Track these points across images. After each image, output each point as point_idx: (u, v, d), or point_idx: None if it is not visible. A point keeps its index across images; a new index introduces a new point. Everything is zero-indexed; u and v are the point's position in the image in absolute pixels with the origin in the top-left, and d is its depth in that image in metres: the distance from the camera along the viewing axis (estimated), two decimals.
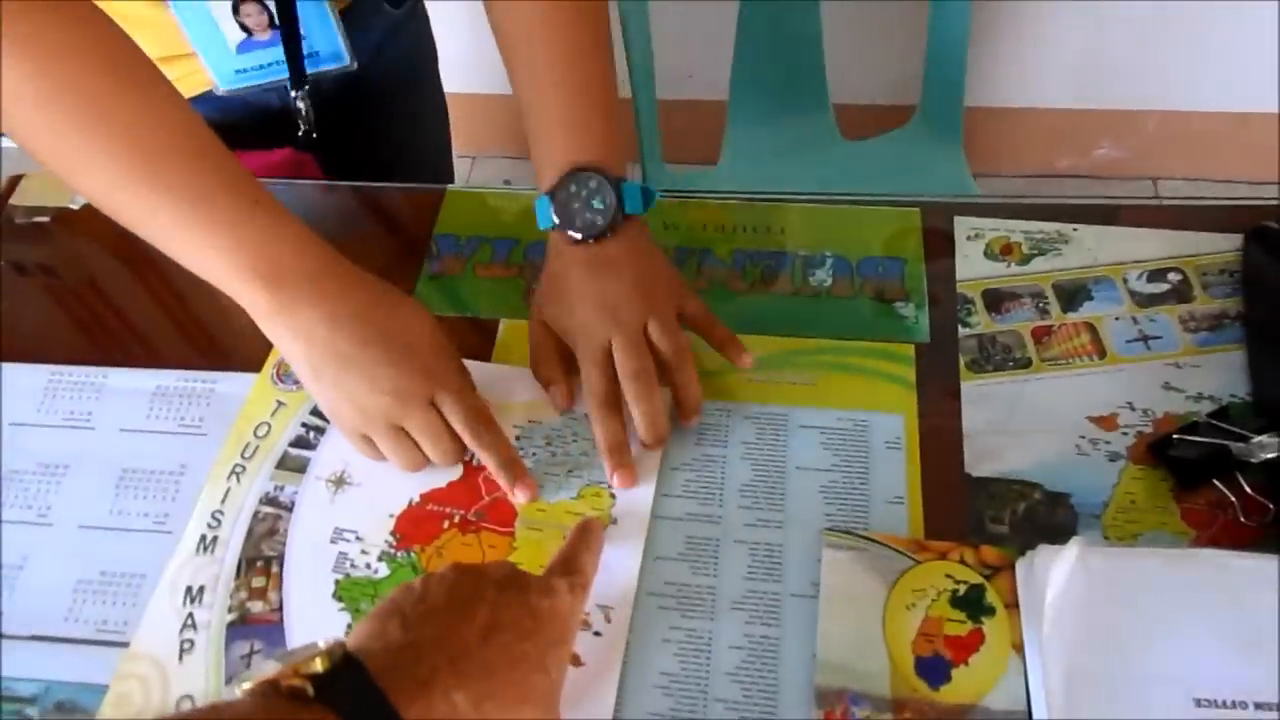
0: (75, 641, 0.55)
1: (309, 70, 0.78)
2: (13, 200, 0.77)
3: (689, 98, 1.61)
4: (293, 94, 0.78)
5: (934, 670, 0.51)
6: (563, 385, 0.62)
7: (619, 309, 0.60)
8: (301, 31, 0.76)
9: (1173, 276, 0.65)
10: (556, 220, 0.62)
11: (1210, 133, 1.73)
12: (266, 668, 0.38)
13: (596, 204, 0.61)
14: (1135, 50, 1.62)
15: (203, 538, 0.58)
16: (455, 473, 0.60)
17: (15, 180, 0.79)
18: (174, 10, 0.71)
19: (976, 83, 1.67)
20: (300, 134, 0.81)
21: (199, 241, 0.54)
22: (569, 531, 0.55)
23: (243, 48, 0.75)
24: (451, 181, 1.05)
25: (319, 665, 0.38)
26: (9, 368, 0.67)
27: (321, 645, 0.39)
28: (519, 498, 0.59)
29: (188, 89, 0.77)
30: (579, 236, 0.61)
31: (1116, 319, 0.63)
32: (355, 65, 0.80)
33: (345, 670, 0.39)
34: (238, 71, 0.76)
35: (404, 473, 0.59)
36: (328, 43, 0.78)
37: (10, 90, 0.50)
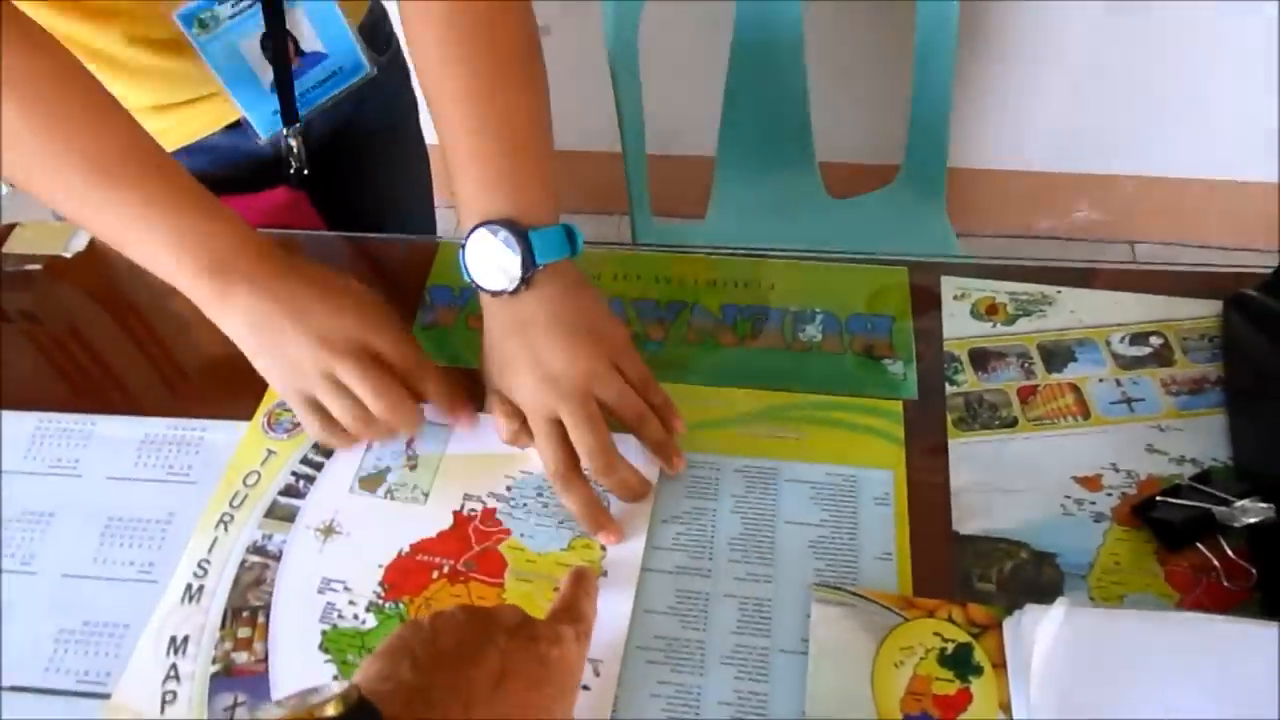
0: (56, 693, 0.54)
1: (334, 90, 0.80)
2: (5, 248, 0.78)
3: (677, 153, 1.64)
4: (284, 132, 0.79)
5: None
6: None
7: (558, 379, 0.59)
8: (321, 49, 0.77)
9: (1154, 340, 0.66)
10: (471, 277, 0.61)
11: (1187, 197, 1.77)
12: (276, 710, 0.38)
13: (504, 258, 0.59)
14: (1113, 115, 1.66)
15: (188, 587, 0.58)
16: (445, 522, 0.60)
17: (8, 229, 0.79)
18: (205, 58, 0.72)
19: (959, 143, 1.71)
20: (292, 171, 0.82)
21: (148, 240, 0.59)
22: (561, 582, 0.55)
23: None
24: (434, 230, 1.06)
25: (332, 709, 0.38)
26: None
27: (335, 688, 0.39)
28: (461, 423, 0.63)
29: (190, 133, 0.78)
30: (494, 289, 0.60)
31: (1100, 380, 0.64)
32: (375, 70, 0.82)
33: (359, 714, 0.39)
34: (274, 113, 0.78)
35: (391, 524, 0.59)
36: (347, 54, 0.79)
37: None
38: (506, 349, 0.61)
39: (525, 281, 0.59)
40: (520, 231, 0.59)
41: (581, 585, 0.54)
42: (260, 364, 0.60)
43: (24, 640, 0.56)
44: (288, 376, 0.60)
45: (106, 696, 0.54)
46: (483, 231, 0.60)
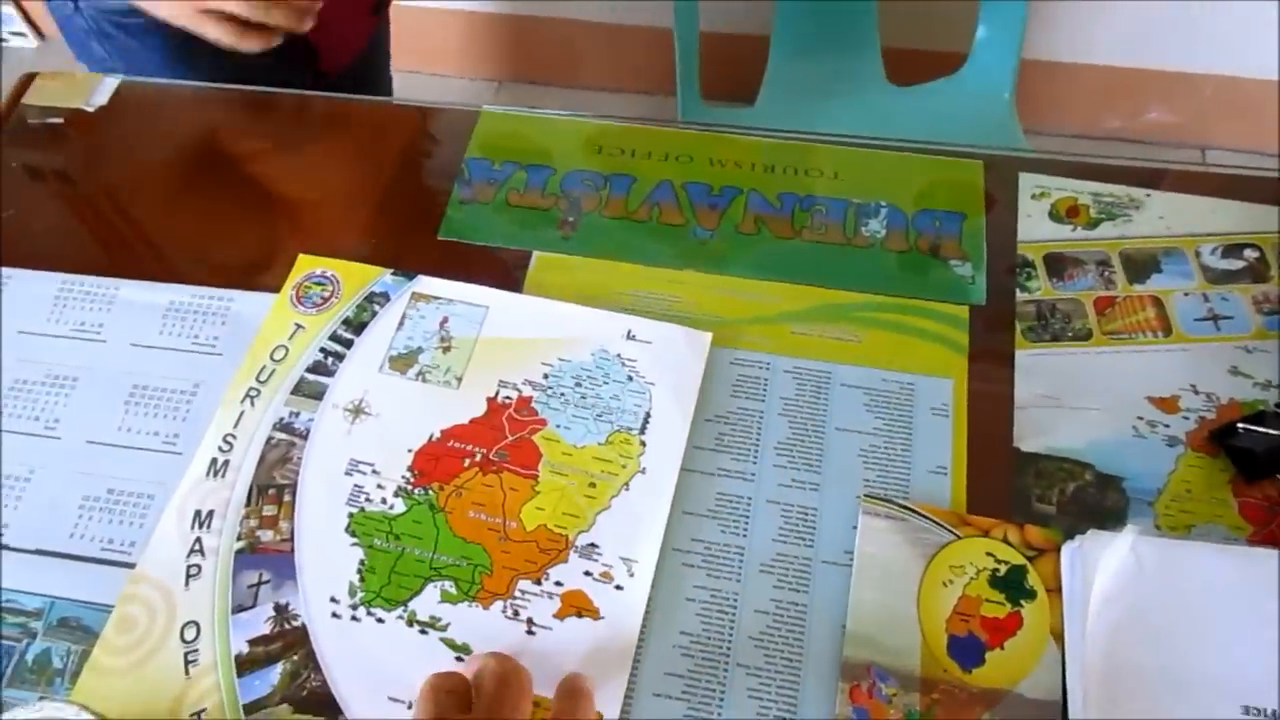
0: (81, 559, 0.53)
1: None
2: (25, 99, 0.74)
3: (731, 31, 1.55)
4: None
5: (967, 651, 0.49)
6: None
7: None
8: None
9: (1249, 253, 0.61)
10: None
11: (1268, 102, 1.66)
12: None
13: None
14: (1196, 10, 1.55)
15: (213, 461, 0.56)
16: (478, 408, 0.58)
17: (29, 79, 0.75)
18: None
19: (1027, 34, 1.60)
20: None
21: None
22: (556, 694, 0.47)
23: None
24: (390, 92, 1.01)
25: None
26: (18, 274, 0.64)
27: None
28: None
29: None
30: None
31: (1186, 294, 0.59)
32: None
33: None
34: None
35: (421, 408, 0.57)
36: None
37: None
38: None
39: None
40: None
41: (574, 700, 0.47)
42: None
43: (49, 504, 0.55)
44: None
45: (130, 565, 0.53)
46: None
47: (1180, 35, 1.60)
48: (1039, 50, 1.66)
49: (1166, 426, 0.55)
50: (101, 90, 0.73)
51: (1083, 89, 1.72)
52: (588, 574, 0.52)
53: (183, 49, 0.76)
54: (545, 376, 0.59)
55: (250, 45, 0.67)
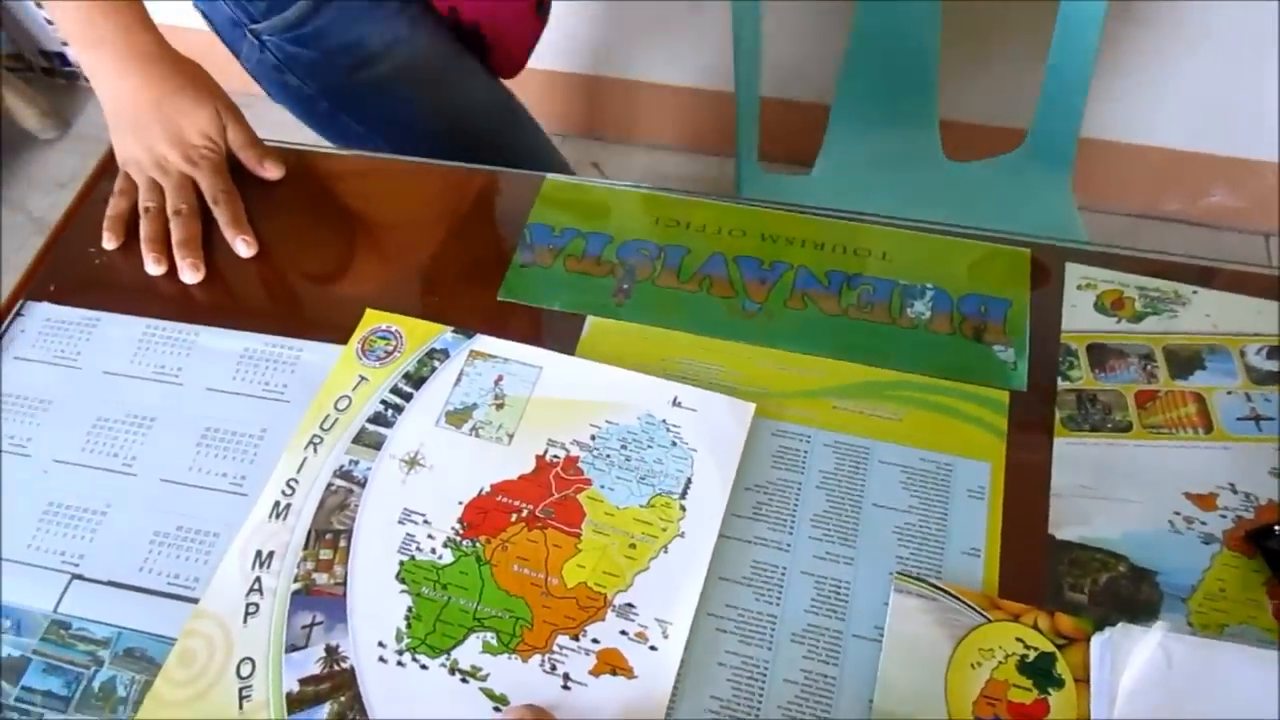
0: (148, 591, 0.57)
1: None
2: None
3: (792, 98, 1.58)
4: None
5: None
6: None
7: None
8: None
9: None
10: None
11: None
12: None
13: None
14: (1263, 97, 1.54)
15: (276, 504, 0.59)
16: (527, 465, 0.60)
17: None
18: None
19: (1089, 113, 1.61)
20: None
21: (65, 20, 0.70)
22: None
23: None
24: None
25: None
26: (106, 317, 0.68)
27: None
28: (240, 249, 0.71)
29: None
30: None
31: (1229, 393, 0.60)
32: None
33: None
34: None
35: (473, 462, 0.60)
36: None
37: None
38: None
39: None
40: None
41: None
42: (113, 137, 0.74)
43: (122, 539, 0.59)
44: (125, 158, 0.74)
45: (194, 600, 0.56)
46: None
47: (1245, 121, 1.60)
48: (1102, 129, 1.66)
49: (1204, 524, 0.55)
50: None
51: (1144, 170, 1.72)
52: (624, 633, 0.54)
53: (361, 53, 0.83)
54: (593, 438, 0.61)
55: (145, 228, 0.72)
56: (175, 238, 0.71)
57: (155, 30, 0.73)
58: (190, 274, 0.70)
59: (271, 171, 0.76)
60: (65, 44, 0.73)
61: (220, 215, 0.72)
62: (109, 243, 0.72)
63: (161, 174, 0.73)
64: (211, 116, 0.74)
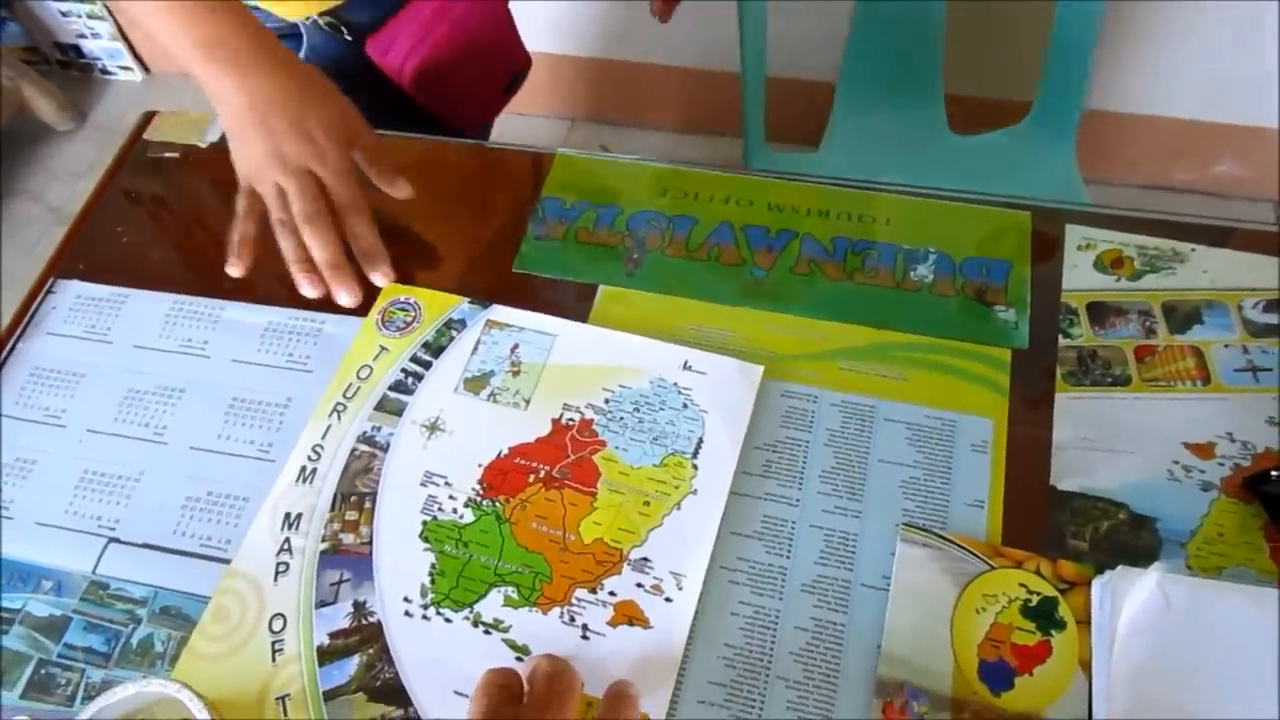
0: (182, 553, 0.59)
1: None
2: (146, 135, 0.81)
3: (797, 76, 1.59)
4: None
5: (997, 676, 0.51)
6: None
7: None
8: None
9: None
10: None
11: None
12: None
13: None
14: (1270, 65, 1.55)
15: (303, 469, 0.61)
16: (544, 428, 0.62)
17: (149, 116, 0.82)
18: None
19: (1095, 85, 1.61)
20: None
21: (168, 25, 0.64)
22: (604, 698, 0.51)
23: None
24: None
25: None
26: (134, 294, 0.70)
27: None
28: (379, 280, 0.68)
29: None
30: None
31: (1226, 346, 0.61)
32: None
33: None
34: None
35: (491, 426, 0.62)
36: None
37: None
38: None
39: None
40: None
41: (622, 703, 0.50)
42: (233, 149, 0.68)
43: (156, 504, 0.61)
44: (249, 170, 0.68)
45: (226, 561, 0.58)
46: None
47: (1252, 89, 1.60)
48: (1109, 102, 1.67)
49: (1202, 472, 0.57)
50: (214, 128, 0.80)
51: (1153, 141, 1.72)
52: (640, 586, 0.56)
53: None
54: (606, 401, 0.63)
55: (280, 237, 0.67)
56: (320, 259, 0.66)
57: (266, 28, 0.68)
58: (347, 298, 0.67)
59: (401, 191, 0.71)
60: (186, 65, 0.66)
61: (354, 238, 0.68)
62: (234, 269, 0.67)
63: (282, 172, 0.66)
64: (337, 114, 0.68)
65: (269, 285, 0.71)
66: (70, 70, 2.10)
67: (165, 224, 0.76)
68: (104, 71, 2.09)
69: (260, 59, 0.66)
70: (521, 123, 1.97)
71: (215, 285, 0.71)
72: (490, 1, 0.92)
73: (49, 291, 0.71)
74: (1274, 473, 0.55)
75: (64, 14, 1.97)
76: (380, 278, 0.69)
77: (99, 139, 1.98)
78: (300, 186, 0.66)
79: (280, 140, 0.66)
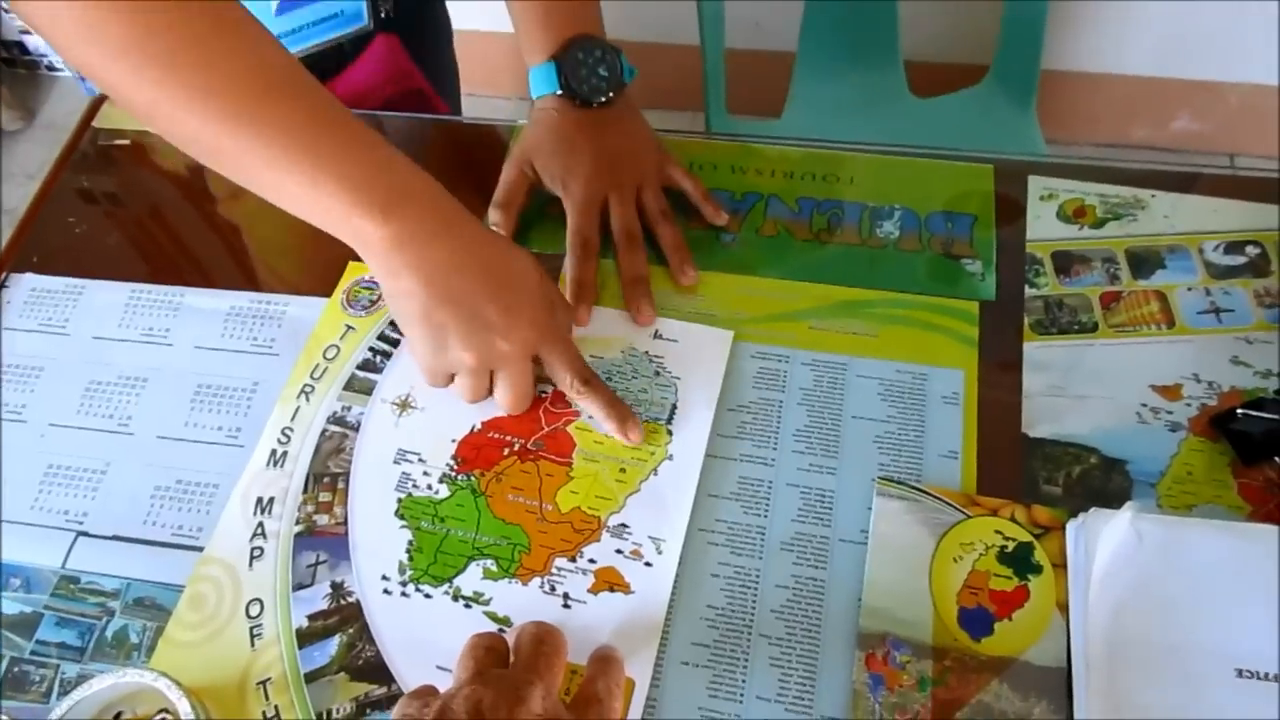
0: (154, 543, 0.58)
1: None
2: (95, 123, 0.79)
3: (757, 48, 1.59)
4: None
5: (977, 622, 0.52)
6: (511, 225, 0.69)
7: (617, 167, 0.68)
8: None
9: (1250, 250, 0.63)
10: (562, 87, 0.68)
11: None
12: None
13: (602, 71, 0.69)
14: (1223, 20, 1.56)
15: (273, 452, 0.60)
16: None
17: (98, 103, 0.81)
18: None
19: (1053, 45, 1.63)
20: (382, 16, 0.84)
21: (305, 177, 0.52)
22: (589, 661, 0.51)
23: (281, 9, 0.77)
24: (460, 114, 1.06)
25: None
26: (91, 284, 0.69)
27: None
28: (632, 438, 0.58)
29: None
30: (583, 101, 0.68)
31: (1189, 289, 0.62)
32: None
33: None
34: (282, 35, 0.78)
35: (465, 403, 0.61)
36: None
37: (97, 35, 0.47)
38: (575, 135, 0.69)
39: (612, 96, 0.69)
40: (615, 51, 0.69)
41: (606, 668, 0.50)
42: (420, 333, 0.57)
43: (124, 494, 0.60)
44: (449, 362, 0.58)
45: (199, 549, 0.57)
46: (582, 46, 0.68)
47: (1205, 45, 1.62)
48: (1066, 61, 1.68)
49: (1169, 413, 0.58)
50: None
51: (1110, 99, 1.74)
52: (619, 552, 0.56)
53: None
54: None
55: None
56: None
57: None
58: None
59: (688, 278, 0.66)
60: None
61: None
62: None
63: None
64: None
65: (229, 270, 0.70)
66: (16, 68, 2.05)
67: (119, 213, 0.74)
68: (50, 68, 2.04)
69: (446, 208, 0.57)
70: (484, 104, 1.95)
71: (173, 272, 0.70)
72: None
73: (2, 286, 0.69)
74: (1240, 411, 0.56)
75: (6, 10, 1.92)
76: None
77: (49, 139, 1.94)
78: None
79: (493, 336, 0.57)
